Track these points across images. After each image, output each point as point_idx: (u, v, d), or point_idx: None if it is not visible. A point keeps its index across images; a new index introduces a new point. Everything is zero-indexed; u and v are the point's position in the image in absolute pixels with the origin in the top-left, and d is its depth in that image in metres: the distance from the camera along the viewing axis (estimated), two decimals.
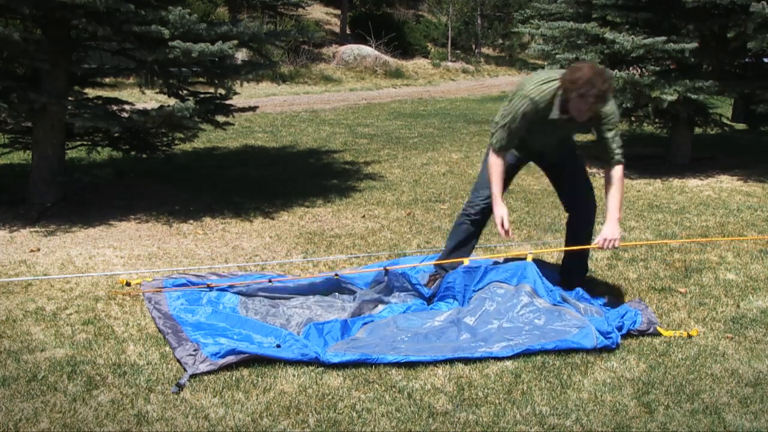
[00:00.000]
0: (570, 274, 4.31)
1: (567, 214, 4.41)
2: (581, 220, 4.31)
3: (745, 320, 3.93)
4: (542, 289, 3.86)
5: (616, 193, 3.91)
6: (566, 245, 4.36)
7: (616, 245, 3.91)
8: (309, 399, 3.03)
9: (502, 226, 3.91)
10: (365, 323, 3.73)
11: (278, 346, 3.40)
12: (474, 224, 4.25)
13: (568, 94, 3.62)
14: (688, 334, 3.71)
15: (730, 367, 3.39)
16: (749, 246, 5.30)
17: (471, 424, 2.88)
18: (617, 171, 3.90)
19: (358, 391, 3.10)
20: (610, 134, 3.84)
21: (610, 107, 3.78)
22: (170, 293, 3.99)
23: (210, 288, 4.06)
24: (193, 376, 3.14)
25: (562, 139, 4.09)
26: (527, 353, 3.43)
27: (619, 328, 3.61)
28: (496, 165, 3.96)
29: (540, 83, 3.78)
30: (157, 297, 3.96)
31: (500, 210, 3.93)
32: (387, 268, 4.12)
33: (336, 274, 4.24)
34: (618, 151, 3.87)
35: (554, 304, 3.77)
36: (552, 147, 4.12)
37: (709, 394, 3.14)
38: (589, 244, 4.23)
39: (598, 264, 4.85)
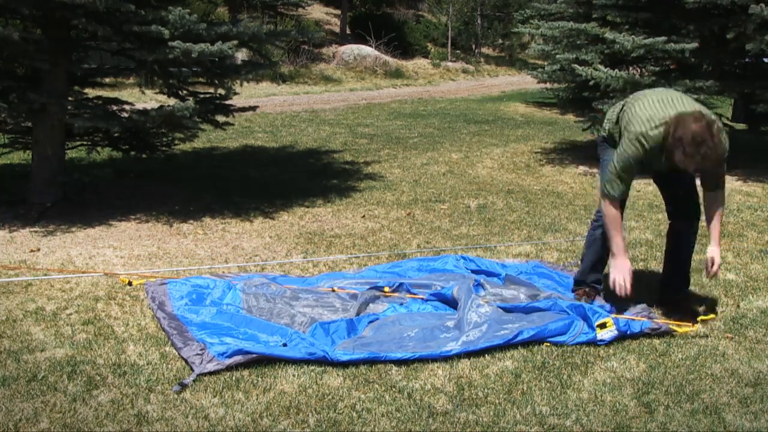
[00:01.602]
0: (673, 286, 4.13)
1: (669, 221, 4.17)
2: (683, 228, 4.08)
3: (745, 320, 3.93)
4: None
5: (717, 214, 3.78)
6: (666, 254, 4.18)
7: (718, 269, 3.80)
8: (309, 399, 3.03)
9: (623, 284, 3.67)
10: (371, 321, 3.75)
11: (284, 344, 3.40)
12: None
13: (674, 149, 3.41)
14: (699, 321, 3.74)
15: (730, 367, 3.39)
16: (749, 246, 5.30)
17: (471, 424, 2.88)
18: (721, 193, 3.79)
19: (358, 391, 3.10)
20: (715, 175, 3.70)
21: (723, 147, 3.53)
22: (174, 294, 3.99)
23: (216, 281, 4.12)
24: (200, 375, 3.15)
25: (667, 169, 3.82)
26: (522, 341, 3.50)
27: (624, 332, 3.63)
28: (615, 217, 3.71)
29: (651, 127, 3.55)
30: (161, 297, 3.96)
31: (624, 266, 3.69)
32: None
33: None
34: (719, 184, 3.75)
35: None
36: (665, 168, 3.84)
37: (709, 394, 3.14)
38: (685, 261, 4.09)
39: None
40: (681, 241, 4.04)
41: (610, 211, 3.72)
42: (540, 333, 3.54)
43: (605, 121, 4.06)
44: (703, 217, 3.90)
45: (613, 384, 3.21)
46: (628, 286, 3.66)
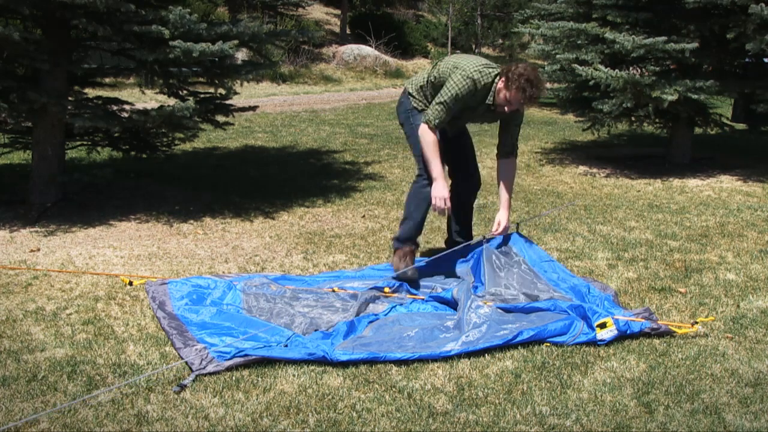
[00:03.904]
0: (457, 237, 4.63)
1: (454, 181, 4.56)
2: (471, 189, 4.60)
3: (745, 320, 3.93)
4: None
5: (511, 182, 4.33)
6: (456, 211, 4.57)
7: (505, 231, 4.31)
8: (309, 399, 3.03)
9: (442, 206, 4.13)
10: (371, 321, 3.75)
11: (285, 345, 3.40)
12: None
13: (507, 84, 3.91)
14: (699, 322, 3.74)
15: (730, 367, 3.39)
16: (749, 246, 5.30)
17: (471, 424, 2.88)
18: (514, 161, 4.36)
19: (358, 391, 3.10)
20: (516, 129, 4.30)
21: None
22: (174, 294, 3.99)
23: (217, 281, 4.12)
24: (199, 375, 3.15)
25: (470, 121, 4.39)
26: (522, 341, 3.50)
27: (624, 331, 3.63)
28: (435, 142, 4.10)
29: (482, 66, 4.01)
30: (161, 297, 3.96)
31: (443, 190, 4.12)
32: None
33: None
34: (516, 144, 4.33)
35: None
36: (460, 127, 4.39)
37: (709, 394, 3.14)
38: (472, 211, 4.68)
39: (597, 265, 4.85)
40: (468, 210, 4.62)
41: (430, 136, 4.09)
42: (540, 333, 3.54)
43: (412, 89, 4.36)
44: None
45: (613, 384, 3.21)
46: (446, 207, 4.16)
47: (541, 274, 4.24)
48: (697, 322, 3.70)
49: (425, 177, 4.26)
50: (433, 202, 4.15)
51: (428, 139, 4.09)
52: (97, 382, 3.11)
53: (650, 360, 3.43)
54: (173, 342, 3.46)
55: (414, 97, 4.34)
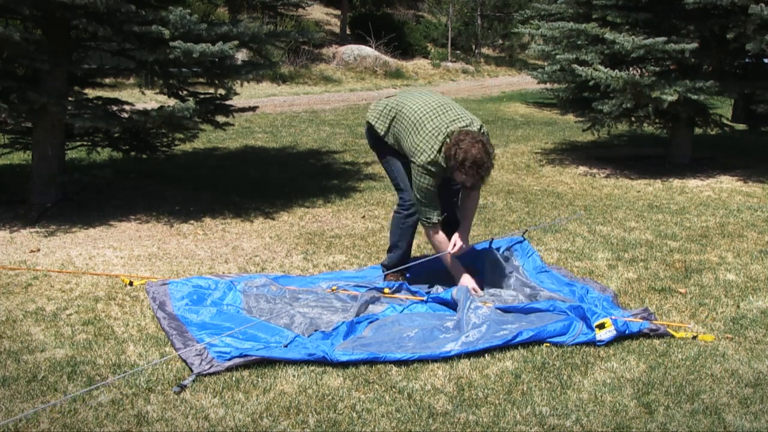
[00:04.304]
0: None
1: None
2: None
3: (745, 320, 3.93)
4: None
5: (472, 211, 4.21)
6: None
7: (461, 251, 4.17)
8: (309, 399, 3.03)
9: (475, 291, 4.08)
10: (371, 322, 3.75)
11: (285, 346, 3.40)
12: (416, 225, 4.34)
13: (455, 166, 3.78)
14: (695, 335, 3.70)
15: (730, 367, 3.39)
16: (749, 246, 5.30)
17: (471, 424, 2.88)
18: (477, 193, 4.23)
19: (358, 391, 3.10)
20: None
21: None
22: (175, 294, 3.99)
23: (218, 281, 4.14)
24: (199, 376, 3.15)
25: None
26: (522, 342, 3.50)
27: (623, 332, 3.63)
28: (444, 242, 4.11)
29: (432, 154, 3.86)
30: (161, 297, 3.96)
31: (470, 282, 4.11)
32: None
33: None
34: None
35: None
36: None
37: (709, 395, 3.14)
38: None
39: (597, 265, 4.85)
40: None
41: (437, 237, 4.11)
42: (539, 334, 3.54)
43: (375, 111, 4.35)
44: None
45: (613, 384, 3.21)
46: (480, 293, 4.09)
47: (538, 284, 4.29)
48: (696, 337, 3.68)
49: (406, 207, 4.26)
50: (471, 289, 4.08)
51: (437, 240, 4.13)
52: (97, 383, 3.11)
53: (650, 360, 3.43)
54: (173, 342, 3.46)
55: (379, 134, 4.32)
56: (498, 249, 4.55)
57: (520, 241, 4.73)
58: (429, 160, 3.87)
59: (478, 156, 3.71)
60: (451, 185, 4.21)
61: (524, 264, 4.51)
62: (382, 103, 4.32)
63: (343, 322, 3.68)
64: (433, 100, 4.08)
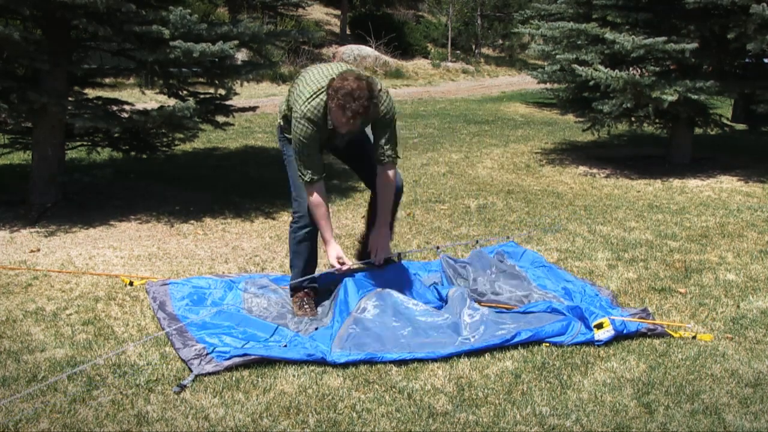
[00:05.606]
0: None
1: (368, 186, 4.17)
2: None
3: (745, 320, 3.93)
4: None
5: (388, 198, 3.81)
6: (368, 219, 4.18)
7: (384, 257, 3.86)
8: (309, 399, 3.03)
9: (341, 268, 3.75)
10: (364, 293, 3.75)
11: (284, 345, 3.40)
12: (313, 236, 3.95)
13: (329, 102, 3.42)
14: (695, 335, 3.70)
15: (730, 367, 3.39)
16: (749, 246, 5.30)
17: (471, 424, 2.88)
18: (389, 173, 3.79)
19: (358, 391, 3.10)
20: (386, 133, 3.70)
21: (385, 106, 3.61)
22: (175, 294, 3.99)
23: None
24: (198, 376, 3.15)
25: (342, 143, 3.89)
26: (520, 342, 3.50)
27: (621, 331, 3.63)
28: (319, 204, 3.74)
29: (309, 99, 3.52)
30: (162, 297, 3.96)
31: (336, 252, 3.75)
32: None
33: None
34: (389, 152, 3.75)
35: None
36: (343, 141, 3.91)
37: (709, 395, 3.14)
38: (395, 217, 4.19)
39: (597, 265, 4.85)
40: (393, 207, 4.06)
41: (314, 199, 3.73)
42: (537, 334, 3.54)
43: (280, 109, 3.93)
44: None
45: (613, 384, 3.21)
46: (345, 268, 3.74)
47: (533, 280, 4.28)
48: (695, 337, 3.68)
49: (296, 219, 3.97)
50: (332, 263, 3.78)
51: (313, 201, 3.76)
52: (97, 383, 3.11)
53: (650, 360, 3.43)
54: (173, 342, 3.46)
55: (284, 127, 3.94)
56: (490, 253, 4.60)
57: (509, 245, 4.78)
58: (306, 99, 3.52)
59: (355, 87, 3.32)
60: (355, 145, 3.90)
61: (519, 262, 4.55)
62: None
63: (334, 304, 3.72)
64: (328, 67, 3.70)
